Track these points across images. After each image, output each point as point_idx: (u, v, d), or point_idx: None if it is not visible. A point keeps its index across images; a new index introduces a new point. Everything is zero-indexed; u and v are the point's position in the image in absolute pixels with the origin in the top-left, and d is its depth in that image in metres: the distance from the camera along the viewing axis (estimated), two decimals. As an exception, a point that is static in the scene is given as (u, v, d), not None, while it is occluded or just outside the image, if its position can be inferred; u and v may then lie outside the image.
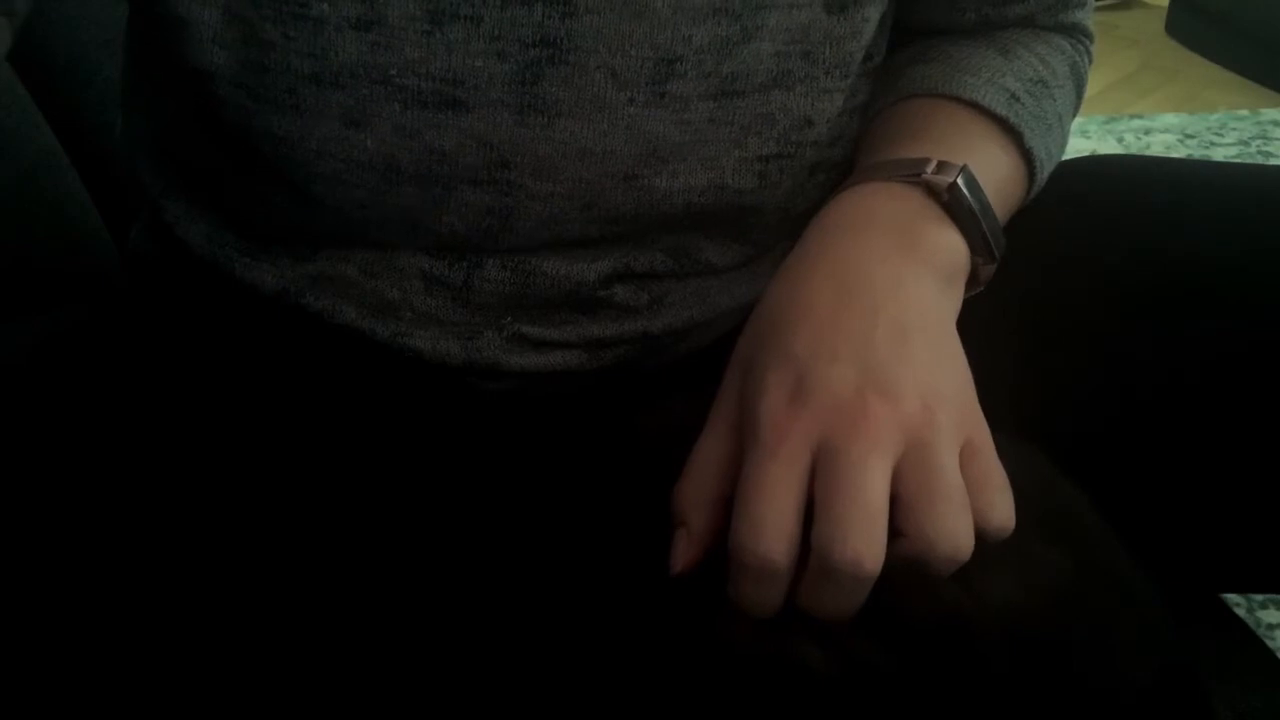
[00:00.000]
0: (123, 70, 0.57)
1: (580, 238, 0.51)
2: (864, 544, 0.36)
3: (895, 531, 0.37)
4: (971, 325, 0.46)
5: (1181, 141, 2.02)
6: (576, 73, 0.46)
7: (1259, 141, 2.03)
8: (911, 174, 0.48)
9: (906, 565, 0.37)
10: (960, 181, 0.47)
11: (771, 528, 0.37)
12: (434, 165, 0.48)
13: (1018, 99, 0.53)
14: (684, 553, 0.40)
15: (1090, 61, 0.60)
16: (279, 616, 0.41)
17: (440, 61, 0.46)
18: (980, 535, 0.38)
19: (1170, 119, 2.12)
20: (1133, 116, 2.13)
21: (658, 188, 0.50)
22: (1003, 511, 0.39)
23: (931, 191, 0.48)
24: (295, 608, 0.41)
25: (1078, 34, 0.59)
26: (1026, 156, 0.53)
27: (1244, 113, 2.15)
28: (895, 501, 0.37)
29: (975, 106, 0.52)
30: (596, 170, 0.49)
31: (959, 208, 0.48)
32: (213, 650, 0.40)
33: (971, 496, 0.38)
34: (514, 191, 0.49)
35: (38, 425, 0.47)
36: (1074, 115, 0.59)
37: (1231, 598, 0.90)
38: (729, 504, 0.39)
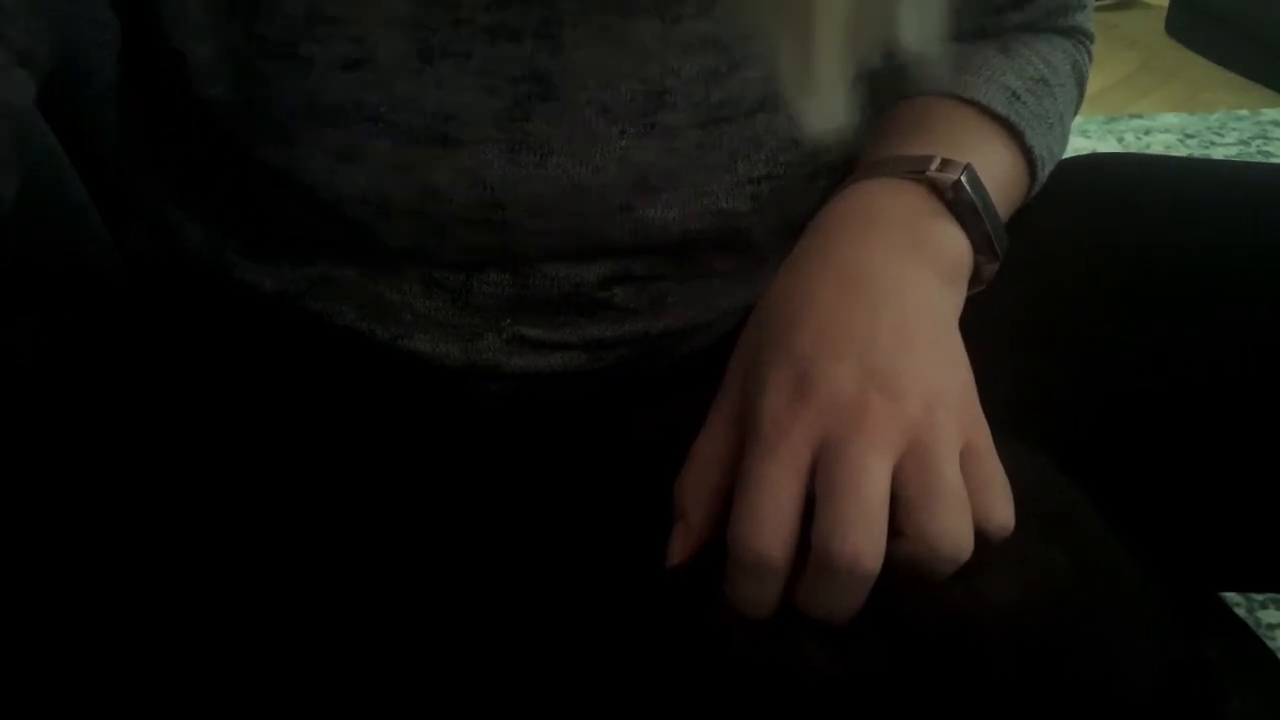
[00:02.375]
0: (118, 88, 0.56)
1: (578, 254, 0.51)
2: (864, 541, 0.36)
3: (895, 532, 0.37)
4: (972, 323, 0.46)
5: (1181, 141, 2.02)
6: (567, 108, 0.46)
7: (1259, 141, 2.03)
8: (915, 171, 0.48)
9: (906, 565, 0.37)
10: (964, 179, 0.47)
11: (770, 525, 0.37)
12: (427, 203, 0.47)
13: (1019, 97, 0.53)
14: (682, 545, 0.40)
15: (1091, 61, 0.60)
16: (280, 617, 0.41)
17: (430, 98, 0.45)
18: (980, 536, 0.38)
19: (1170, 119, 2.12)
20: (1133, 116, 2.12)
21: (653, 219, 0.50)
22: (1003, 512, 0.39)
23: (935, 189, 0.48)
24: (296, 608, 0.41)
25: (1078, 35, 0.59)
26: (1028, 155, 0.53)
27: (1244, 113, 2.15)
28: (895, 501, 0.38)
29: (976, 105, 0.52)
30: (591, 205, 0.48)
31: (962, 205, 0.48)
32: (214, 652, 0.40)
33: (971, 497, 0.38)
34: (509, 229, 0.49)
35: (38, 426, 0.47)
36: (1075, 113, 0.59)
37: (1231, 597, 0.90)
38: (729, 498, 0.39)
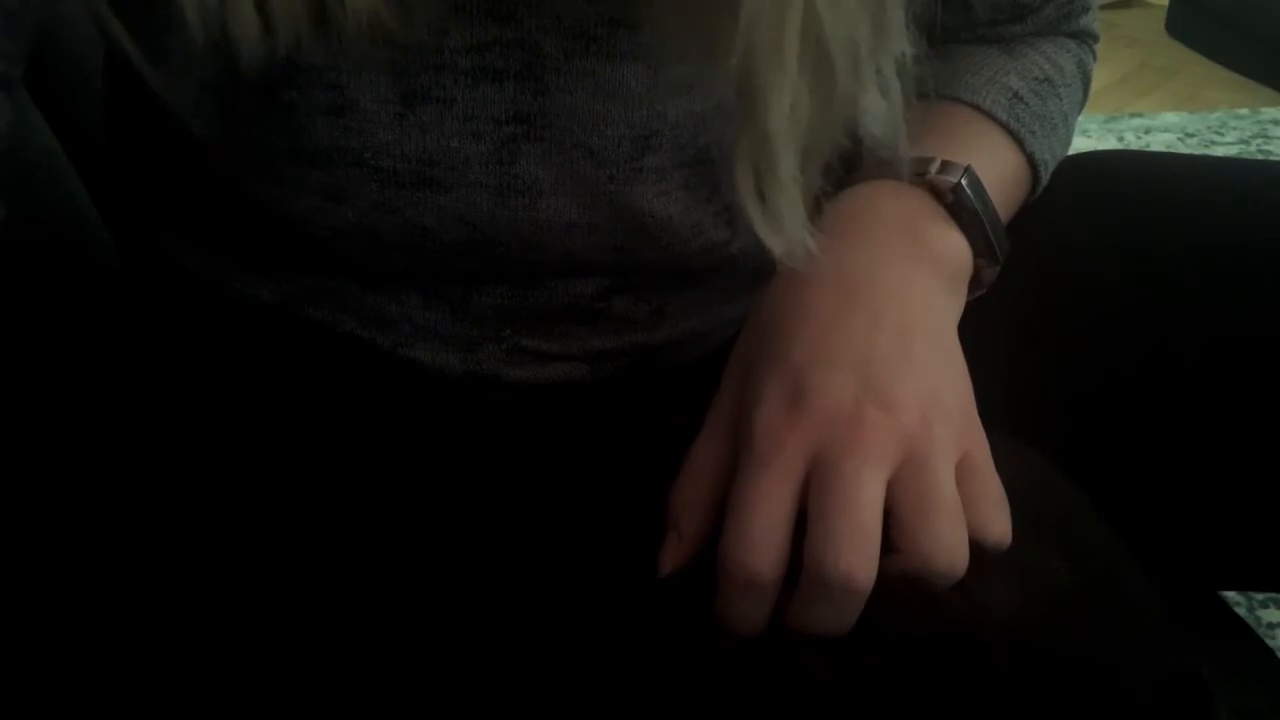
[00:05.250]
0: (105, 103, 0.56)
1: (576, 271, 0.51)
2: (857, 560, 0.36)
3: (889, 547, 0.37)
4: (970, 324, 0.46)
5: (1181, 140, 2.02)
6: (554, 150, 0.45)
7: (1259, 140, 2.03)
8: (915, 173, 0.48)
9: (901, 580, 0.37)
10: (964, 182, 0.47)
11: (760, 541, 0.37)
12: (417, 238, 0.47)
13: (1021, 98, 0.53)
14: (673, 556, 0.40)
15: (1095, 60, 0.60)
16: (281, 622, 0.41)
17: (414, 143, 0.45)
18: (977, 549, 0.38)
19: (1170, 118, 2.12)
20: (1133, 115, 2.13)
21: (650, 261, 0.50)
22: (999, 526, 0.39)
23: (935, 191, 0.48)
24: (297, 613, 0.41)
25: (1083, 37, 0.59)
26: (1029, 158, 0.53)
27: (1244, 112, 2.15)
28: (890, 516, 0.37)
29: (976, 107, 0.52)
30: (584, 241, 0.48)
31: (962, 208, 0.47)
32: (215, 656, 0.40)
33: (967, 511, 0.38)
34: (502, 260, 0.48)
35: (36, 428, 0.47)
36: (1079, 112, 0.59)
37: (1231, 597, 0.90)
38: (722, 507, 0.39)
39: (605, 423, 0.50)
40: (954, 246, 0.47)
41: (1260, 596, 0.99)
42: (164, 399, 0.50)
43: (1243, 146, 2.00)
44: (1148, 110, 2.17)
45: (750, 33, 0.37)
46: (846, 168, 0.50)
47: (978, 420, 0.41)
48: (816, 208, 0.50)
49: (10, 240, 0.59)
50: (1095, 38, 0.60)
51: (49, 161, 0.67)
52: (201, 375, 0.52)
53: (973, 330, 0.45)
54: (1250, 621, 0.98)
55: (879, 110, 0.41)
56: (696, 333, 0.54)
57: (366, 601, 0.41)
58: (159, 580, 0.41)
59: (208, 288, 0.52)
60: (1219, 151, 1.97)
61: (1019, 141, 0.52)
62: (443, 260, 0.48)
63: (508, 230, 0.47)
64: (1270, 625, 0.98)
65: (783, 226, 0.41)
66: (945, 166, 0.48)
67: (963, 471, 0.39)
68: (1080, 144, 0.58)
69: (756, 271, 0.55)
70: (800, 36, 0.38)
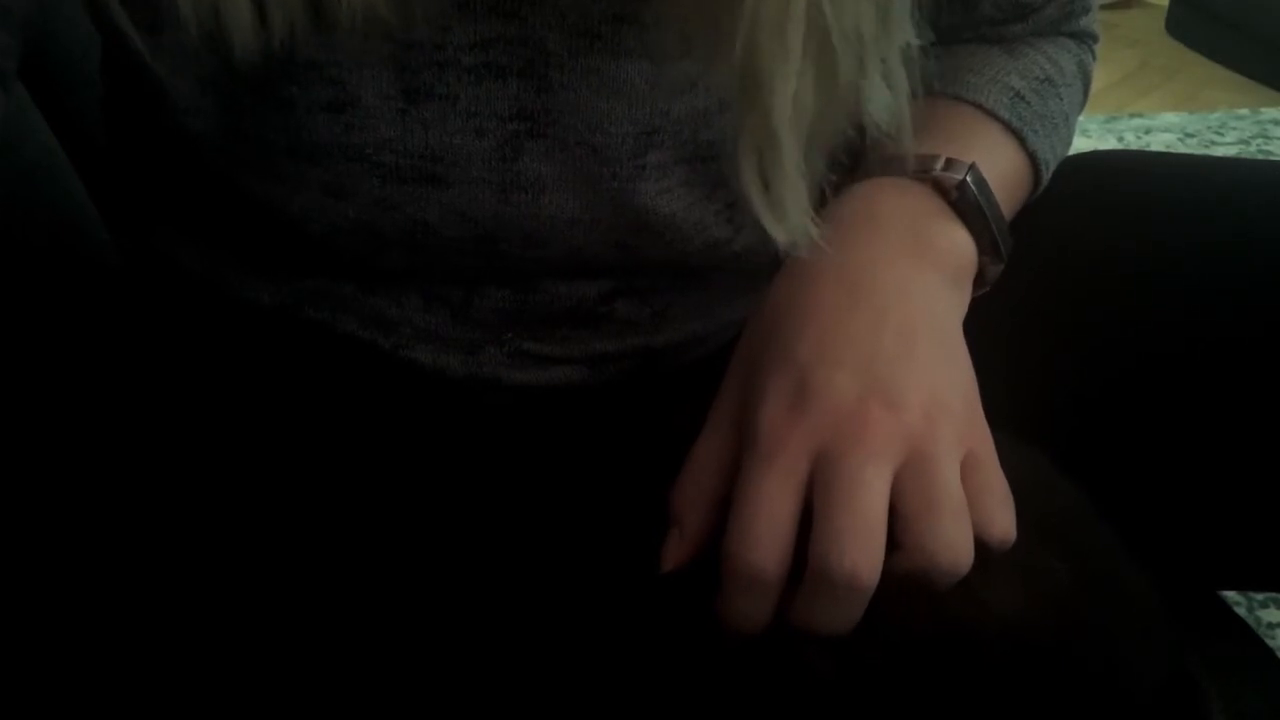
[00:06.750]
0: (104, 104, 0.56)
1: (579, 272, 0.51)
2: (861, 557, 0.36)
3: (894, 544, 0.37)
4: (972, 322, 0.46)
5: (1181, 140, 2.02)
6: (557, 146, 0.45)
7: (1259, 140, 2.03)
8: (920, 170, 0.48)
9: (906, 578, 0.37)
10: (969, 179, 0.47)
11: (765, 538, 0.37)
12: (418, 234, 0.47)
13: (1022, 98, 0.53)
14: (675, 552, 0.40)
15: (1095, 60, 0.60)
16: (281, 622, 0.41)
17: (417, 139, 0.44)
18: (980, 547, 0.38)
19: (1170, 118, 2.12)
20: (1133, 115, 2.13)
21: (652, 259, 0.50)
22: (1003, 524, 0.39)
23: (939, 189, 0.48)
24: (297, 614, 0.41)
25: (1083, 37, 0.59)
26: (1030, 157, 0.53)
27: (1244, 112, 2.15)
28: (894, 514, 0.37)
29: (978, 106, 0.52)
30: (586, 237, 0.48)
31: (967, 206, 0.47)
32: (215, 657, 0.40)
33: (972, 508, 0.38)
34: (504, 257, 0.48)
35: (34, 428, 0.47)
36: (1080, 112, 0.59)
37: (1231, 597, 0.90)
38: (725, 505, 0.39)
39: (606, 424, 0.50)
40: (958, 243, 0.47)
41: (1260, 596, 0.99)
42: (163, 399, 0.50)
43: (1243, 146, 2.00)
44: (1148, 110, 2.17)
45: (754, 19, 0.38)
46: (852, 161, 0.50)
47: (982, 417, 0.41)
48: (821, 199, 0.50)
49: (8, 239, 0.59)
50: (1095, 38, 0.60)
51: (48, 160, 0.67)
52: (201, 375, 0.52)
53: (974, 330, 0.45)
54: (1250, 621, 0.98)
55: (883, 100, 0.41)
56: (698, 335, 0.54)
57: (369, 603, 0.41)
58: (157, 580, 0.41)
59: (207, 287, 0.52)
60: (1219, 151, 1.97)
61: (1021, 140, 0.52)
62: (443, 258, 0.48)
63: (510, 226, 0.47)
64: (1270, 625, 0.98)
65: (786, 215, 0.41)
66: (949, 164, 0.48)
67: (967, 468, 0.39)
68: (1080, 144, 0.58)
69: (757, 272, 0.54)
70: (804, 23, 0.38)
